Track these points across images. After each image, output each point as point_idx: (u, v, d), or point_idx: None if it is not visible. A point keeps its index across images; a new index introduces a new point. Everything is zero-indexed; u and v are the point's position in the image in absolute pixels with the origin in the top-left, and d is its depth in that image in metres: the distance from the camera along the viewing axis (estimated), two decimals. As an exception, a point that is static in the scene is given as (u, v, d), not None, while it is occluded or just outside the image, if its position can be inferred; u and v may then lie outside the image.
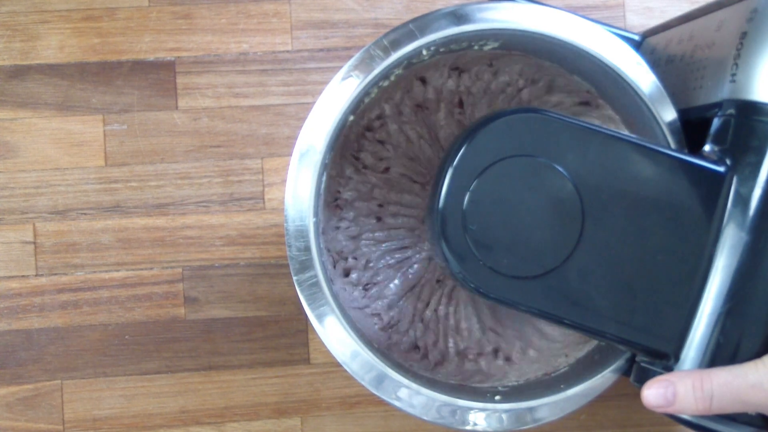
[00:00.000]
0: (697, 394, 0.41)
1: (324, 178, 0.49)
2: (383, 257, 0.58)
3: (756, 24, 0.42)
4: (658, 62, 0.53)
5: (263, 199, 0.64)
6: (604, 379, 0.48)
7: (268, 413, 0.63)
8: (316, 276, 0.48)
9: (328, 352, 0.48)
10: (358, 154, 0.57)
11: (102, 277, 0.63)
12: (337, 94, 0.48)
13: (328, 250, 0.55)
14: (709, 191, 0.42)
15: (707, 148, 0.44)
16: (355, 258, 0.57)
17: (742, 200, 0.41)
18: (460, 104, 0.57)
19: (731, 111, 0.43)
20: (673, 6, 0.66)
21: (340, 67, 0.49)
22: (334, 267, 0.56)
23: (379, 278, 0.58)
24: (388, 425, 0.64)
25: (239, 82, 0.64)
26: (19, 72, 0.64)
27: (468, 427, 0.48)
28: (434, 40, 0.49)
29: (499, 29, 0.49)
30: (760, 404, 0.40)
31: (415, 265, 0.59)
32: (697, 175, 0.42)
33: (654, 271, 0.42)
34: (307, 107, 0.50)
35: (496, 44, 0.50)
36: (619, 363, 0.47)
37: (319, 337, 0.49)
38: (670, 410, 0.41)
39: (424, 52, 0.49)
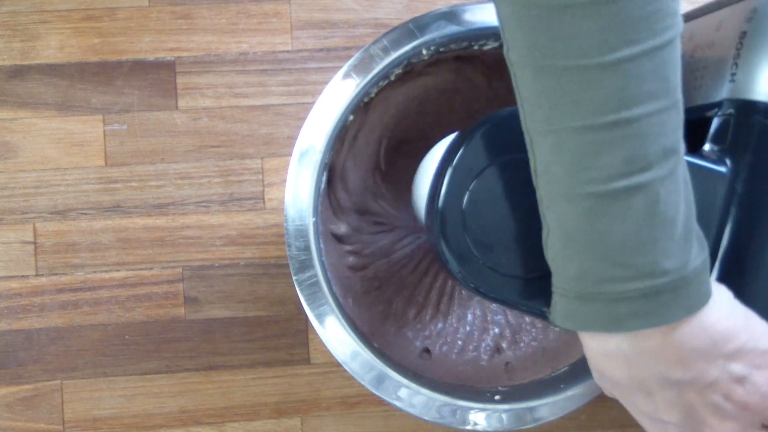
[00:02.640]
0: None
1: (324, 178, 0.49)
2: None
3: (756, 24, 0.42)
4: (658, 62, 0.53)
5: (263, 199, 0.64)
6: (604, 379, 0.47)
7: (268, 413, 0.63)
8: (316, 276, 0.48)
9: (328, 352, 0.48)
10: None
11: (102, 277, 0.63)
12: (337, 94, 0.48)
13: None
14: (709, 191, 0.42)
15: (707, 148, 0.44)
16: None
17: (742, 200, 0.41)
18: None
19: (731, 111, 0.43)
20: (673, 6, 0.66)
21: (340, 67, 0.49)
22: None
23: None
24: (388, 425, 0.63)
25: (239, 82, 0.64)
26: (19, 72, 0.64)
27: (468, 427, 0.48)
28: (434, 40, 0.49)
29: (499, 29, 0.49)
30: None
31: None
32: (697, 175, 0.42)
33: (654, 271, 0.42)
34: (307, 107, 0.50)
35: (495, 44, 0.50)
36: (619, 363, 0.47)
37: (319, 337, 0.49)
38: None
39: (424, 52, 0.49)
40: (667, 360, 0.35)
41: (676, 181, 0.34)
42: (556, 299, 0.37)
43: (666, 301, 0.34)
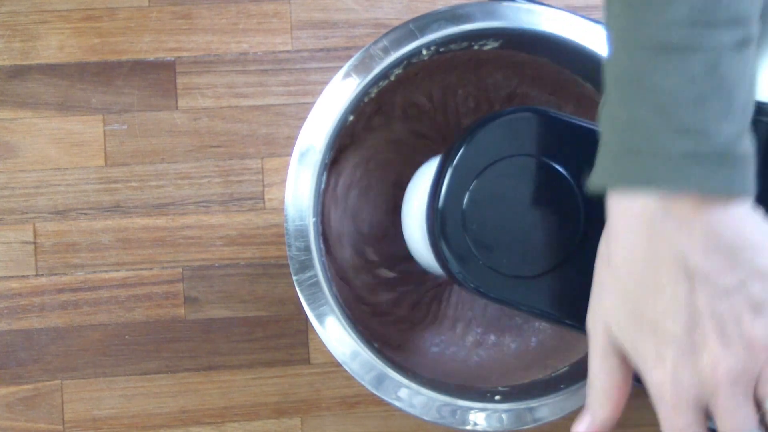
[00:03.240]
0: None
1: (324, 178, 0.49)
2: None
3: (756, 23, 0.42)
4: (658, 62, 0.53)
5: (263, 199, 0.64)
6: (604, 379, 0.47)
7: (268, 413, 0.63)
8: (316, 276, 0.48)
9: (328, 352, 0.48)
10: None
11: (102, 277, 0.63)
12: (337, 94, 0.48)
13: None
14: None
15: (707, 147, 0.44)
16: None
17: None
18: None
19: (731, 110, 0.42)
20: (673, 6, 0.66)
21: (340, 67, 0.49)
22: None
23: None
24: (388, 425, 0.64)
25: (239, 82, 0.64)
26: (19, 72, 0.64)
27: (468, 427, 0.48)
28: (434, 40, 0.49)
29: (499, 29, 0.49)
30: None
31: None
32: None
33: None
34: (307, 107, 0.50)
35: (496, 44, 0.50)
36: (619, 363, 0.47)
37: (319, 337, 0.49)
38: None
39: (424, 52, 0.49)
40: (691, 238, 0.34)
41: (741, 58, 0.33)
42: (599, 157, 0.36)
43: (706, 169, 0.33)
